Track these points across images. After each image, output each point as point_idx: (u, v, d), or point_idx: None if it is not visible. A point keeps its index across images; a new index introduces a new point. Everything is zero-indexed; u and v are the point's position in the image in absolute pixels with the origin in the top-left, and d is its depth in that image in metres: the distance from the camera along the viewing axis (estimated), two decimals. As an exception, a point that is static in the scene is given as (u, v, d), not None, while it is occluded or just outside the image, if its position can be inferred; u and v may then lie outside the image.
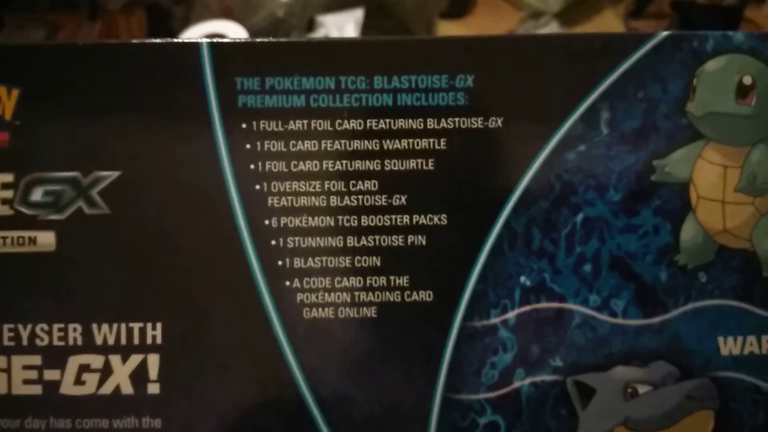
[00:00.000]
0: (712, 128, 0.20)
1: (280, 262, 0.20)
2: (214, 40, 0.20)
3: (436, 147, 0.20)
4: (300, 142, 0.20)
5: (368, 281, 0.20)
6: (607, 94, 0.20)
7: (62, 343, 0.20)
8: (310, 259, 0.20)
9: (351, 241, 0.20)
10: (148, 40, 0.20)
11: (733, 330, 0.20)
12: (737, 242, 0.20)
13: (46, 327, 0.20)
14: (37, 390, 0.20)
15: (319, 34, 0.53)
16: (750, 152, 0.20)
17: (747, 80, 0.20)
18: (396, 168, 0.20)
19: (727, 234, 0.20)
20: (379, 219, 0.20)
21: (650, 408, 0.20)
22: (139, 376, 0.20)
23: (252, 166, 0.20)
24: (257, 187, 0.20)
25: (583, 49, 0.20)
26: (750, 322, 0.20)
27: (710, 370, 0.20)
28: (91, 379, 0.20)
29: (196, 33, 0.49)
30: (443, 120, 0.20)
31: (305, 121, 0.20)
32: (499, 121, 0.20)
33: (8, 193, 0.20)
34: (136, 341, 0.20)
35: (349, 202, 0.20)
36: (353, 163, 0.20)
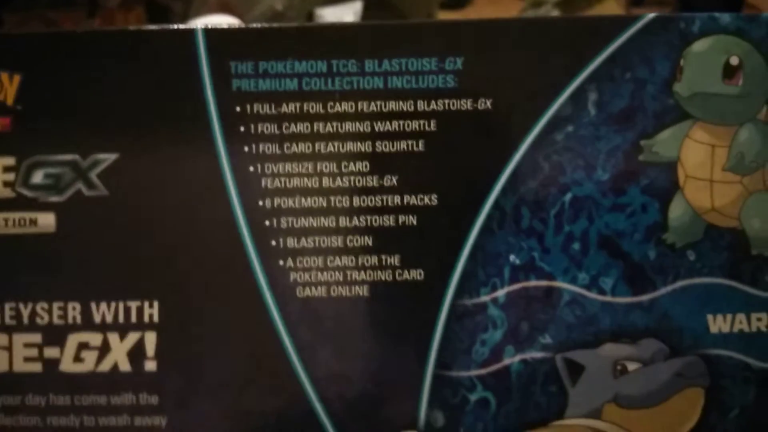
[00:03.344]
0: (700, 108, 0.20)
1: (273, 242, 0.20)
2: (209, 26, 0.21)
3: (427, 129, 0.21)
4: (293, 124, 0.20)
5: (360, 260, 0.20)
6: (595, 75, 0.20)
7: (62, 321, 0.20)
8: (303, 238, 0.20)
9: (343, 221, 0.20)
10: (144, 27, 0.21)
11: (723, 308, 0.20)
12: (725, 221, 0.20)
13: (46, 305, 0.20)
14: (37, 367, 0.20)
15: (318, 27, 0.53)
16: (737, 131, 0.20)
17: (734, 61, 0.20)
18: (387, 149, 0.21)
19: (716, 213, 0.20)
20: (371, 199, 0.20)
21: (640, 385, 0.20)
22: (136, 353, 0.20)
23: (246, 148, 0.20)
24: (251, 168, 0.20)
25: (570, 31, 0.21)
26: (739, 299, 0.20)
27: (700, 347, 0.20)
28: (90, 357, 0.20)
29: (194, 28, 0.49)
30: (433, 102, 0.21)
31: (298, 104, 0.21)
32: (488, 103, 0.21)
33: (10, 176, 0.21)
34: (133, 319, 0.20)
35: (341, 183, 0.20)
36: (345, 144, 0.21)
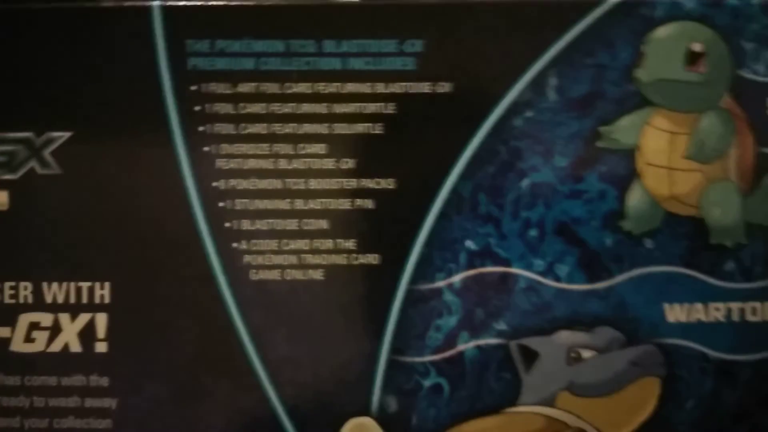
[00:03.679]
0: (661, 95, 0.20)
1: (227, 224, 0.20)
2: (165, 3, 0.20)
3: (385, 111, 0.20)
4: (249, 104, 0.20)
5: (315, 244, 0.20)
6: (556, 60, 0.20)
7: (13, 301, 0.20)
8: (257, 221, 0.20)
9: (298, 203, 0.20)
10: (99, 4, 0.21)
11: (680, 297, 0.20)
12: (685, 209, 0.20)
13: (-3, 285, 0.20)
14: (-13, 347, 0.20)
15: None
16: (698, 119, 0.20)
17: (697, 47, 0.20)
18: (344, 132, 0.20)
19: (674, 200, 0.20)
20: (327, 182, 0.20)
21: (594, 373, 0.20)
22: (87, 334, 0.20)
23: (201, 128, 0.20)
24: (206, 148, 0.20)
25: (531, 15, 0.20)
26: (697, 289, 0.20)
27: (656, 336, 0.20)
28: (41, 337, 0.20)
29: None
30: (392, 84, 0.20)
31: (254, 84, 0.20)
32: (448, 87, 0.20)
33: (-37, 154, 0.20)
34: (84, 300, 0.20)
35: (297, 165, 0.20)
36: (301, 126, 0.20)
